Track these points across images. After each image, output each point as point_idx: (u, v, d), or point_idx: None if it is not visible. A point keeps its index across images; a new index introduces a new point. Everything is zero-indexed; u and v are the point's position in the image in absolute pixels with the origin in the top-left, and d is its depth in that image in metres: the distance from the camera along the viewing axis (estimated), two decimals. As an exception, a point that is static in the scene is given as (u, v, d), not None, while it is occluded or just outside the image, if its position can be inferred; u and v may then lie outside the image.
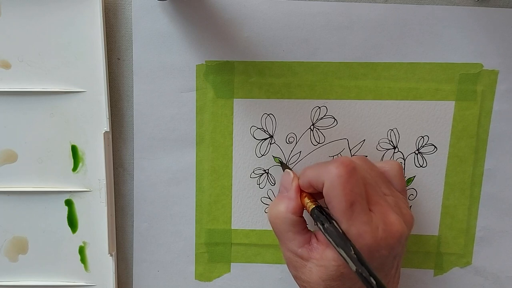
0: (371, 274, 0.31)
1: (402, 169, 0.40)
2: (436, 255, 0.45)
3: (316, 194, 0.37)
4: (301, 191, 0.38)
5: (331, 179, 0.33)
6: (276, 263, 0.45)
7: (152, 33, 0.41)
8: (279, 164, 0.43)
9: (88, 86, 0.41)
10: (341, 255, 0.32)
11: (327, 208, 0.35)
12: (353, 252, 0.32)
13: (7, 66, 0.41)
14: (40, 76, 0.41)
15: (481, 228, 0.44)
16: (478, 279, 0.45)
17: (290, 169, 0.40)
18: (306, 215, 0.37)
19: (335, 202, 0.33)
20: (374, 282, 0.30)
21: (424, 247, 0.44)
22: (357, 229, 0.33)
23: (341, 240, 0.32)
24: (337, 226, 0.33)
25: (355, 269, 0.31)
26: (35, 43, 0.41)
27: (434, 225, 0.44)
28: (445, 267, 0.45)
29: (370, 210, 0.34)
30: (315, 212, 0.35)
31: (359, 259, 0.31)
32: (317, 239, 0.36)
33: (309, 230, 0.37)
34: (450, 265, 0.45)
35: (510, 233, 0.44)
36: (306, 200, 0.37)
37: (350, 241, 0.32)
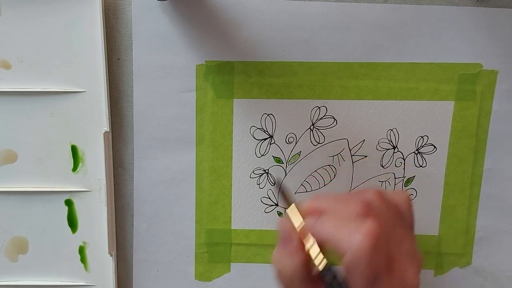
0: None
1: (411, 203, 0.36)
2: (436, 255, 0.45)
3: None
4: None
5: (354, 251, 0.30)
6: (276, 263, 0.45)
7: (152, 33, 0.41)
8: (274, 184, 0.41)
9: (88, 86, 0.41)
10: None
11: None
12: None
13: (7, 66, 0.41)
14: (40, 76, 0.41)
15: (480, 227, 0.44)
16: (478, 279, 0.45)
17: (289, 205, 0.34)
18: None
19: (358, 278, 0.30)
20: None
21: (424, 247, 0.44)
22: None
23: None
24: None
25: None
26: (35, 43, 0.41)
27: (434, 225, 0.44)
28: (445, 267, 0.45)
29: (390, 269, 0.31)
30: (327, 278, 0.31)
31: None
32: None
33: (316, 279, 0.33)
34: (450, 265, 0.45)
35: (509, 233, 0.44)
36: (313, 252, 0.32)
37: None
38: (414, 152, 0.43)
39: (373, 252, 0.30)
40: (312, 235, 0.32)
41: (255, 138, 0.43)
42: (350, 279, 0.31)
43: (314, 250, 0.32)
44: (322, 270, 0.31)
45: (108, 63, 0.41)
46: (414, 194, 0.44)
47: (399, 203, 0.36)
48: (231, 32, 0.41)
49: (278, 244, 0.34)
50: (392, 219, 0.34)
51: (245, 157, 0.43)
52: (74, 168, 0.43)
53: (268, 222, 0.44)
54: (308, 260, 0.32)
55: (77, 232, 0.44)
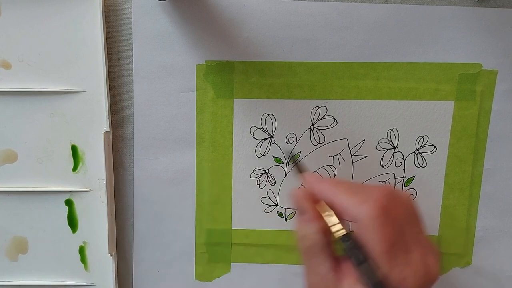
0: None
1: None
2: (436, 255, 0.45)
3: None
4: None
5: (365, 220, 0.30)
6: (276, 263, 0.45)
7: (152, 33, 0.41)
8: (292, 163, 0.42)
9: (88, 86, 0.41)
10: None
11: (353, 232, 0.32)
12: None
13: (7, 66, 0.41)
14: (40, 76, 0.41)
15: (480, 227, 0.44)
16: (478, 279, 0.45)
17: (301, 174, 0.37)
18: None
19: (373, 244, 0.30)
20: None
21: (424, 247, 0.44)
22: (400, 272, 0.30)
23: None
24: (374, 270, 0.30)
25: None
26: (35, 43, 0.41)
27: (434, 225, 0.44)
28: (445, 267, 0.45)
29: (407, 250, 0.31)
30: (346, 245, 0.32)
31: None
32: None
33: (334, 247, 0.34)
34: (450, 265, 0.45)
35: (509, 232, 0.44)
36: (330, 220, 0.33)
37: None
38: (414, 152, 0.43)
39: (384, 220, 0.30)
40: (325, 202, 0.33)
41: (255, 138, 0.43)
42: (367, 246, 0.31)
43: (330, 219, 0.33)
44: (341, 237, 0.32)
45: (108, 63, 0.41)
46: (414, 194, 0.44)
47: (410, 202, 0.36)
48: (231, 32, 0.41)
49: (297, 213, 0.36)
50: (408, 211, 0.34)
51: (245, 157, 0.43)
52: (74, 168, 0.43)
53: (268, 222, 0.44)
54: (326, 227, 0.33)
55: (77, 232, 0.44)
